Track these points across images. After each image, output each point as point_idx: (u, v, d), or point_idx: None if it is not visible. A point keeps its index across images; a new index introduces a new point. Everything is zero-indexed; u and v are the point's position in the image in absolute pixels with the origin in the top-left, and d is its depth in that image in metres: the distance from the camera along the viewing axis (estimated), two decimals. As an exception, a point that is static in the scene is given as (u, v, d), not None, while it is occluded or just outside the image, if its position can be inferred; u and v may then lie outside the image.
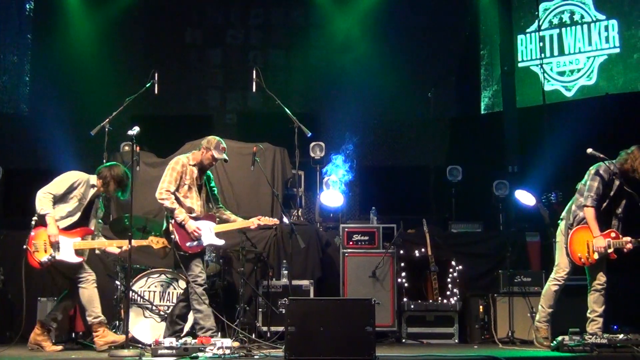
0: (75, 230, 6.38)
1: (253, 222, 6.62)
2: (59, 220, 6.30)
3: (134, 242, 6.33)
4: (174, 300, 6.90)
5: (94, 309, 6.35)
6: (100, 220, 6.74)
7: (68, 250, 6.27)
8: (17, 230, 7.48)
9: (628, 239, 6.34)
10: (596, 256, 6.35)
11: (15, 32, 11.30)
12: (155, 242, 6.46)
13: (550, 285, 6.62)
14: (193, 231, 6.23)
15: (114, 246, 6.56)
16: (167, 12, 12.25)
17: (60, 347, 6.43)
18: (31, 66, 11.40)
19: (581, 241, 6.43)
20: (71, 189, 6.39)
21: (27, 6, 11.49)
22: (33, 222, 6.29)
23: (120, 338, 6.23)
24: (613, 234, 6.39)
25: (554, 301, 6.62)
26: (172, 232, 6.23)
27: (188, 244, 6.23)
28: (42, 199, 6.25)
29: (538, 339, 6.66)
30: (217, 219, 6.58)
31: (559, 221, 6.76)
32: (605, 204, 6.44)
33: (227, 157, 6.60)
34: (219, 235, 6.46)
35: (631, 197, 6.42)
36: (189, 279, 6.23)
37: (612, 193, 6.43)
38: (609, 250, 6.33)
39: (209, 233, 6.37)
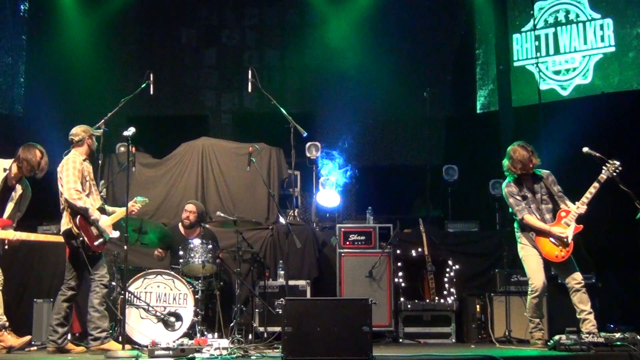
0: None
1: (130, 208, 6.52)
2: None
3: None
4: (170, 302, 6.87)
5: None
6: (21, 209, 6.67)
7: None
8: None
9: (575, 205, 6.49)
10: (567, 241, 6.43)
11: (10, 33, 11.24)
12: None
13: (530, 299, 6.63)
14: (108, 226, 6.21)
15: (32, 239, 6.51)
16: (162, 12, 12.21)
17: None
18: (26, 67, 11.34)
19: (546, 243, 6.52)
20: None
21: (22, 7, 11.43)
22: None
23: (14, 341, 6.19)
24: (563, 213, 6.55)
25: (539, 311, 6.65)
26: (78, 234, 6.06)
27: (96, 242, 6.17)
28: None
29: (532, 341, 6.67)
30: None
31: (517, 239, 6.80)
32: (533, 207, 6.61)
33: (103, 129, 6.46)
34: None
35: (541, 183, 6.65)
36: (95, 277, 6.20)
37: (526, 197, 6.63)
38: (571, 229, 6.44)
39: (108, 228, 6.33)
